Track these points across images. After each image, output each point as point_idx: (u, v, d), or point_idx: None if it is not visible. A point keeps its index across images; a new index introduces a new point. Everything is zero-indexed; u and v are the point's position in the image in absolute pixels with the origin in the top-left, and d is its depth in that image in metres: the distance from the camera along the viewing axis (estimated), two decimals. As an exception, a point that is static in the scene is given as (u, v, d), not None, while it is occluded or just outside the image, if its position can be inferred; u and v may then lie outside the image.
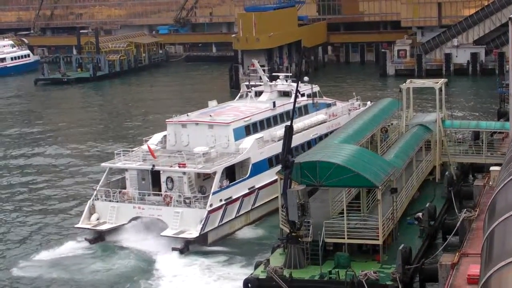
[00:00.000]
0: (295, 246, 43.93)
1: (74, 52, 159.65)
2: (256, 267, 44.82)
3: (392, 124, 67.30)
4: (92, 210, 56.79)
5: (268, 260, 44.70)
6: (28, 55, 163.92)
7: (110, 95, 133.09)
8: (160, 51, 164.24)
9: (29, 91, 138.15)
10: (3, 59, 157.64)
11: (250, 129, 61.49)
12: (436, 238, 50.52)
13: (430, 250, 47.67)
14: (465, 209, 48.24)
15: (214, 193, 54.53)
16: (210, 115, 61.69)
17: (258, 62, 74.34)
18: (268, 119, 63.79)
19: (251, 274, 43.96)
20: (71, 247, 54.38)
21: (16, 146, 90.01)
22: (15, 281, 49.91)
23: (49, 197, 67.99)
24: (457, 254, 39.96)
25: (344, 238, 44.43)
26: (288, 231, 44.59)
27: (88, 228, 55.67)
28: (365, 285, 40.60)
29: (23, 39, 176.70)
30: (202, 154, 56.59)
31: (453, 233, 47.29)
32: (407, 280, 42.30)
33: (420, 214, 50.41)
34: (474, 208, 48.18)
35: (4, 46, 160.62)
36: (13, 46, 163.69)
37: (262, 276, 43.02)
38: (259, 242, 54.52)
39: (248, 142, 59.35)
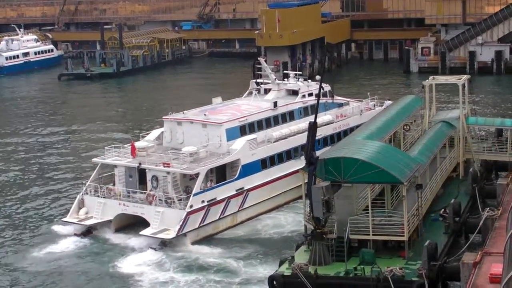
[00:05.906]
0: (320, 242, 44.00)
1: (98, 47, 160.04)
2: (280, 264, 44.86)
3: (415, 121, 66.94)
4: (81, 205, 57.59)
5: (292, 257, 44.81)
6: (52, 50, 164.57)
7: (133, 91, 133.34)
8: (183, 47, 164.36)
9: (53, 86, 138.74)
10: (26, 54, 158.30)
11: (246, 129, 60.62)
12: (461, 235, 50.30)
13: (455, 247, 47.50)
14: (488, 208, 48.24)
15: (195, 195, 54.43)
16: (205, 114, 61.45)
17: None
18: (267, 119, 62.80)
19: (276, 271, 44.03)
20: (57, 241, 55.33)
21: (29, 138, 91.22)
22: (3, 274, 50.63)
23: (48, 189, 68.91)
24: (479, 253, 39.98)
25: (369, 234, 44.49)
26: (313, 228, 44.69)
27: (74, 222, 56.42)
28: (391, 282, 40.60)
29: (47, 34, 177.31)
30: (189, 154, 56.48)
31: (476, 231, 47.27)
32: (433, 276, 42.17)
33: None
34: (497, 207, 48.16)
35: (28, 40, 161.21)
36: (36, 40, 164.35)
37: (287, 273, 43.07)
38: (282, 239, 54.51)
39: (239, 143, 58.65)
